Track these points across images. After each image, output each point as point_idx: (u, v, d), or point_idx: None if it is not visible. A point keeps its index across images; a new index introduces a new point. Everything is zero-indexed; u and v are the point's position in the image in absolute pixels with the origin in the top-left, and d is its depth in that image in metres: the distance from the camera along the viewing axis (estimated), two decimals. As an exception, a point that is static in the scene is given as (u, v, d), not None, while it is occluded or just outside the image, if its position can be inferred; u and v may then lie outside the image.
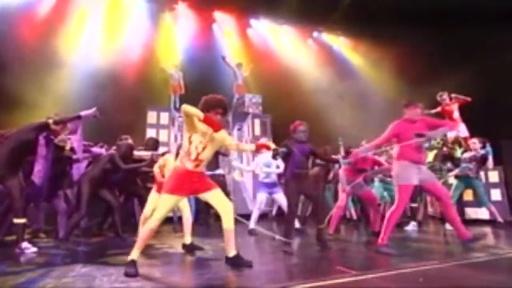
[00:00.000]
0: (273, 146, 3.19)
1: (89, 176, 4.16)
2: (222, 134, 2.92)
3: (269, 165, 4.92)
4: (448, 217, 3.57)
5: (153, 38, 9.60)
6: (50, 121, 3.52)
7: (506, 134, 8.21)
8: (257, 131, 8.49)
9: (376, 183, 5.38)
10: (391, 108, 9.61)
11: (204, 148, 2.81)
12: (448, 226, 5.15)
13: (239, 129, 8.69)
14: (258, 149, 3.24)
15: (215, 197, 2.88)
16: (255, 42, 11.12)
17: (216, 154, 5.75)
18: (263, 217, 5.91)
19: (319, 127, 9.47)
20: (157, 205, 2.80)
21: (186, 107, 2.64)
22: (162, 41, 9.72)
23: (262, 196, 4.93)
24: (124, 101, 7.86)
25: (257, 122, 8.59)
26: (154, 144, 5.30)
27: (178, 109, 8.31)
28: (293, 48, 11.55)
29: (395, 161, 3.51)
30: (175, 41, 10.03)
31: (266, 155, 4.88)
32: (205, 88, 8.73)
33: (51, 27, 8.22)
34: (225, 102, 2.88)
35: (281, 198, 4.78)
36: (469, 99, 6.35)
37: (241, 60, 9.64)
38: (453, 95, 6.64)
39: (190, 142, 2.80)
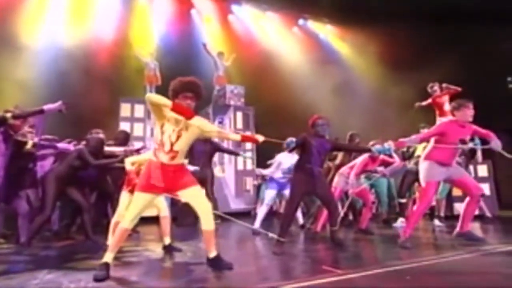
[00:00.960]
0: (261, 138, 3.12)
1: (55, 174, 4.03)
2: (198, 120, 2.83)
3: (291, 169, 4.72)
4: (465, 210, 3.71)
5: (126, 22, 9.27)
6: (8, 115, 3.36)
7: (495, 127, 8.47)
8: (239, 124, 8.45)
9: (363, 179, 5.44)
10: (378, 97, 9.93)
11: (178, 138, 2.71)
12: (437, 222, 5.33)
13: (220, 122, 8.59)
14: (244, 140, 3.20)
15: (193, 196, 2.80)
16: (237, 30, 10.96)
17: (212, 151, 5.74)
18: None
19: (305, 119, 9.49)
20: (130, 204, 2.76)
21: (150, 96, 2.61)
22: (136, 26, 9.41)
23: (271, 193, 4.98)
24: (94, 92, 7.61)
25: (239, 114, 8.54)
26: (124, 138, 5.20)
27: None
28: (278, 36, 11.47)
29: (424, 160, 3.66)
30: (150, 26, 9.75)
31: (289, 158, 4.86)
32: (183, 76, 8.65)
33: (8, 6, 7.85)
34: (194, 84, 2.76)
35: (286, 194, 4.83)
36: (459, 89, 6.50)
37: (222, 48, 9.53)
38: (444, 85, 6.79)
39: (162, 132, 2.72)
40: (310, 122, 3.82)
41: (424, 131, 4.72)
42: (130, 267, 2.96)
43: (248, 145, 8.06)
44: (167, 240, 3.61)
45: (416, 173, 4.90)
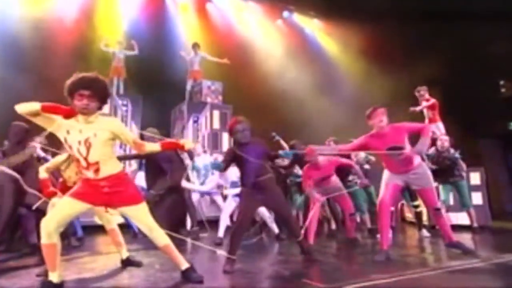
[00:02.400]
0: (189, 144, 2.99)
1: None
2: (110, 123, 2.69)
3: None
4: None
5: (90, 6, 9.01)
6: None
7: (483, 133, 8.78)
8: (216, 124, 8.44)
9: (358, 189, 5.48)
10: (363, 96, 10.04)
11: (89, 148, 2.57)
12: (425, 233, 5.45)
13: (195, 122, 8.54)
14: (165, 148, 3.00)
15: (135, 217, 2.77)
16: (216, 20, 10.87)
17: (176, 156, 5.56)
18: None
19: (288, 119, 9.62)
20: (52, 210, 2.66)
21: (18, 108, 2.44)
22: (102, 11, 9.17)
23: (232, 205, 5.07)
24: (52, 86, 7.31)
25: (216, 113, 8.52)
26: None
27: (123, 95, 8.01)
28: (260, 29, 11.46)
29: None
30: (118, 12, 9.50)
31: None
32: (154, 71, 8.61)
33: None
34: (89, 79, 2.58)
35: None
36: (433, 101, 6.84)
37: (197, 40, 9.42)
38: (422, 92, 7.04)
39: (70, 147, 2.61)
40: (228, 129, 3.63)
41: None
42: (83, 285, 2.88)
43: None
44: (124, 253, 3.54)
45: None
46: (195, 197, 5.83)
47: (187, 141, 3.00)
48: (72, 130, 2.57)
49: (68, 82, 2.59)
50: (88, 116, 2.60)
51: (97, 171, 2.60)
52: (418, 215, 5.65)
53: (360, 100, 9.80)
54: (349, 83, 10.46)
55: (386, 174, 3.88)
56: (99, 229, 4.65)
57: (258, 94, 9.29)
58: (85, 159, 2.58)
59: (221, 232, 4.97)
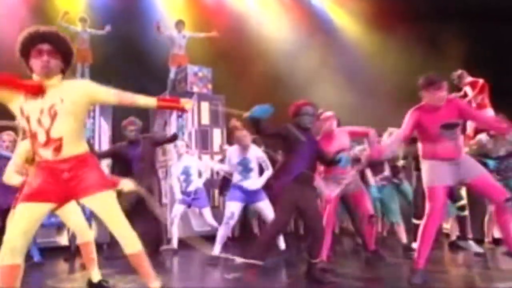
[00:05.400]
0: (189, 104, 2.97)
1: None
2: (75, 84, 2.63)
3: (248, 164, 5.06)
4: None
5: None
6: None
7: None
8: (205, 119, 8.35)
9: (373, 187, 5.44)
10: (378, 80, 10.13)
11: (53, 118, 2.49)
12: (473, 247, 5.16)
13: (179, 116, 8.47)
14: (162, 106, 2.99)
15: (103, 205, 2.61)
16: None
17: (151, 148, 5.58)
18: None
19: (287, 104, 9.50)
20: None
21: None
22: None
23: (235, 206, 4.98)
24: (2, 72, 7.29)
25: (205, 105, 8.41)
26: None
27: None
28: (257, 3, 11.45)
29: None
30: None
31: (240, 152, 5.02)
32: (128, 55, 8.52)
33: None
34: (45, 31, 2.50)
35: (266, 208, 4.96)
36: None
37: (181, 16, 9.32)
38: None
39: (27, 118, 2.49)
40: (293, 109, 3.94)
41: None
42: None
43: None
44: (96, 276, 3.52)
45: None
46: (179, 209, 5.82)
47: (188, 101, 2.97)
48: (30, 95, 2.50)
49: (21, 36, 2.51)
50: (50, 78, 2.53)
51: (57, 149, 2.51)
52: (463, 222, 5.33)
53: (373, 82, 10.15)
54: (363, 63, 10.61)
55: (431, 168, 3.75)
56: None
57: (255, 80, 9.34)
58: (47, 132, 2.48)
59: (217, 249, 4.95)
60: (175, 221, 5.81)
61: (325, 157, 4.01)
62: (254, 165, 5.09)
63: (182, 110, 2.98)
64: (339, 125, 4.80)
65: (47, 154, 2.52)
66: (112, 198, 2.65)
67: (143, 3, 9.80)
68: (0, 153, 4.68)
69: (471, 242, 5.23)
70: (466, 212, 5.36)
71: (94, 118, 7.61)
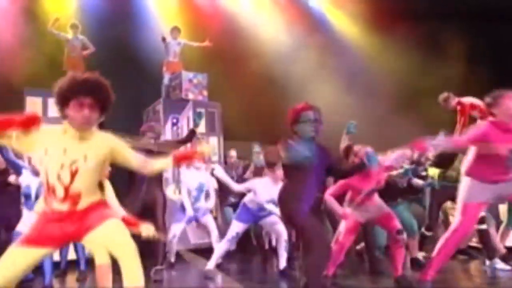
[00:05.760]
0: (206, 148, 2.86)
1: None
2: (102, 138, 2.57)
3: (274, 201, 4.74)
4: None
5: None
6: None
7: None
8: (201, 127, 8.04)
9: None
10: (380, 84, 10.14)
11: (74, 174, 2.43)
12: (499, 264, 5.08)
13: (174, 124, 8.41)
14: (179, 161, 2.86)
15: (110, 232, 2.47)
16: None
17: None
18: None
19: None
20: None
21: None
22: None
23: (241, 227, 5.05)
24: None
25: (198, 112, 8.36)
26: None
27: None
28: (252, 5, 11.39)
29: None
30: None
31: (269, 187, 4.85)
32: (120, 62, 8.46)
33: None
34: (93, 81, 2.45)
35: (275, 222, 4.95)
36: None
37: (175, 22, 9.28)
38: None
39: (45, 171, 2.44)
40: (292, 115, 3.47)
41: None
42: None
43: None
44: None
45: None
46: (179, 227, 5.69)
47: (204, 147, 2.85)
48: (52, 149, 2.43)
49: (63, 82, 2.45)
50: (84, 131, 2.49)
51: (75, 203, 2.47)
52: (485, 236, 5.14)
53: (372, 83, 10.18)
54: (361, 64, 10.57)
55: (471, 186, 3.71)
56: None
57: (253, 86, 9.28)
58: (66, 188, 2.44)
59: (213, 262, 4.95)
60: (174, 241, 5.66)
61: (340, 168, 3.65)
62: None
63: (200, 158, 2.93)
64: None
65: (62, 207, 2.47)
66: (119, 224, 2.55)
67: (135, 7, 9.71)
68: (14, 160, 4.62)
69: (497, 260, 5.10)
70: (485, 226, 5.20)
71: None
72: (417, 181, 5.36)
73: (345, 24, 11.68)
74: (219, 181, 5.94)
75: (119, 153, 2.63)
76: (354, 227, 4.40)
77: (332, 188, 4.44)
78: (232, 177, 6.17)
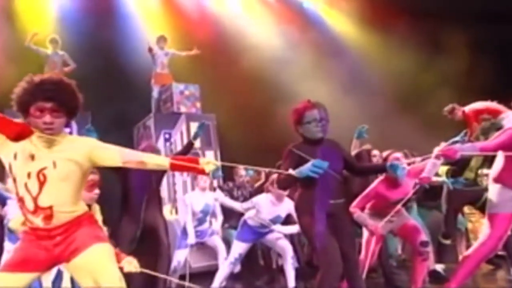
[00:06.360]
0: (211, 166, 2.46)
1: None
2: (77, 142, 2.43)
3: (278, 219, 4.96)
4: None
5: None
6: None
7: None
8: (197, 141, 8.13)
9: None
10: (389, 86, 10.15)
11: (42, 184, 2.29)
12: (438, 267, 5.16)
13: (167, 140, 8.33)
14: (176, 167, 2.55)
15: (99, 259, 2.36)
16: (185, 4, 10.80)
17: (158, 180, 5.11)
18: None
19: (289, 124, 9.44)
20: None
21: None
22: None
23: (244, 248, 4.99)
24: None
25: (194, 126, 8.12)
26: None
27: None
28: (244, 9, 11.42)
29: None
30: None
31: (271, 205, 4.83)
32: (106, 77, 8.36)
33: None
34: (47, 84, 2.28)
35: (278, 238, 4.95)
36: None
37: (162, 30, 9.27)
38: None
39: (14, 179, 2.32)
40: (295, 116, 3.31)
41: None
42: None
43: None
44: None
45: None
46: (183, 254, 5.45)
47: (209, 161, 2.51)
48: (21, 155, 2.29)
49: (18, 90, 2.31)
50: (55, 136, 2.34)
51: (47, 218, 2.32)
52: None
53: (372, 85, 10.32)
54: (360, 66, 10.69)
55: (500, 194, 3.62)
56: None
57: (248, 95, 9.26)
58: (35, 200, 2.29)
59: (216, 286, 4.91)
60: (178, 270, 5.41)
61: (357, 166, 3.59)
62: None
63: (202, 173, 2.54)
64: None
65: (37, 221, 2.33)
66: (109, 250, 2.43)
67: (118, 17, 9.68)
68: None
69: None
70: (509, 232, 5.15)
71: (70, 126, 7.31)
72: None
73: (340, 22, 11.78)
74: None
75: (98, 154, 2.44)
76: (381, 237, 4.37)
77: (358, 200, 4.30)
78: (236, 198, 6.16)
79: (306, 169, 2.76)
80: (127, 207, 4.69)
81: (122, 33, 9.23)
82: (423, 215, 5.55)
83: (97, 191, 4.05)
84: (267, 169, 3.20)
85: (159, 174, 5.01)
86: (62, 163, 2.32)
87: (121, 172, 4.51)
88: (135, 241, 4.50)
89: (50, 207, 2.30)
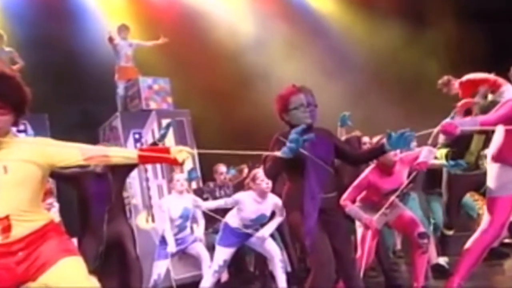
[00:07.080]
0: (182, 153, 2.44)
1: None
2: (28, 143, 2.45)
3: (262, 218, 4.97)
4: None
5: None
6: None
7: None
8: (170, 139, 7.79)
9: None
10: (379, 71, 10.21)
11: None
12: (441, 260, 5.21)
13: (137, 141, 8.10)
14: (144, 160, 2.55)
15: (70, 273, 2.36)
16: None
17: (119, 187, 5.11)
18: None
19: (272, 117, 9.42)
20: None
21: None
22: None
23: (228, 253, 4.95)
24: None
25: (166, 123, 8.05)
26: None
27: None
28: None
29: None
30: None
31: (255, 202, 4.84)
32: (62, 74, 8.05)
33: None
34: None
35: (263, 240, 4.88)
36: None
37: (124, 19, 9.10)
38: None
39: None
40: (280, 102, 3.25)
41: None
42: None
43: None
44: None
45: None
46: (163, 265, 5.37)
47: (181, 149, 2.47)
48: None
49: None
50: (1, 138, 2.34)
51: (5, 230, 2.31)
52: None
53: (360, 69, 10.56)
54: (344, 47, 10.82)
55: (499, 175, 3.61)
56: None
57: (226, 88, 9.22)
58: None
59: None
60: (159, 283, 5.39)
61: (351, 154, 3.47)
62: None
63: (174, 163, 2.51)
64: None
65: None
66: (80, 263, 2.44)
67: (72, 5, 9.45)
68: None
69: None
70: None
71: (25, 131, 7.11)
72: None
73: (329, 7, 11.79)
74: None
75: (55, 152, 2.44)
76: (376, 231, 4.45)
77: (348, 192, 4.35)
78: (216, 198, 6.09)
79: (287, 147, 2.72)
80: (86, 221, 4.66)
81: (78, 24, 9.06)
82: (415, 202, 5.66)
83: (50, 200, 3.89)
84: (248, 152, 3.02)
85: (120, 180, 5.02)
86: (15, 166, 2.31)
87: (75, 182, 4.54)
88: (98, 258, 4.50)
89: (7, 217, 2.29)
